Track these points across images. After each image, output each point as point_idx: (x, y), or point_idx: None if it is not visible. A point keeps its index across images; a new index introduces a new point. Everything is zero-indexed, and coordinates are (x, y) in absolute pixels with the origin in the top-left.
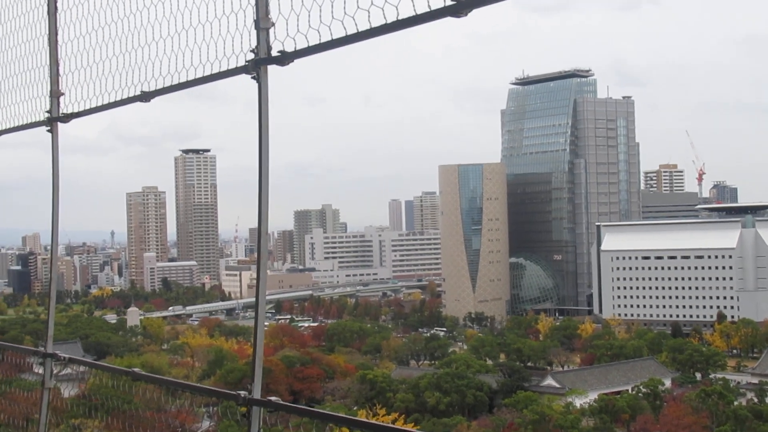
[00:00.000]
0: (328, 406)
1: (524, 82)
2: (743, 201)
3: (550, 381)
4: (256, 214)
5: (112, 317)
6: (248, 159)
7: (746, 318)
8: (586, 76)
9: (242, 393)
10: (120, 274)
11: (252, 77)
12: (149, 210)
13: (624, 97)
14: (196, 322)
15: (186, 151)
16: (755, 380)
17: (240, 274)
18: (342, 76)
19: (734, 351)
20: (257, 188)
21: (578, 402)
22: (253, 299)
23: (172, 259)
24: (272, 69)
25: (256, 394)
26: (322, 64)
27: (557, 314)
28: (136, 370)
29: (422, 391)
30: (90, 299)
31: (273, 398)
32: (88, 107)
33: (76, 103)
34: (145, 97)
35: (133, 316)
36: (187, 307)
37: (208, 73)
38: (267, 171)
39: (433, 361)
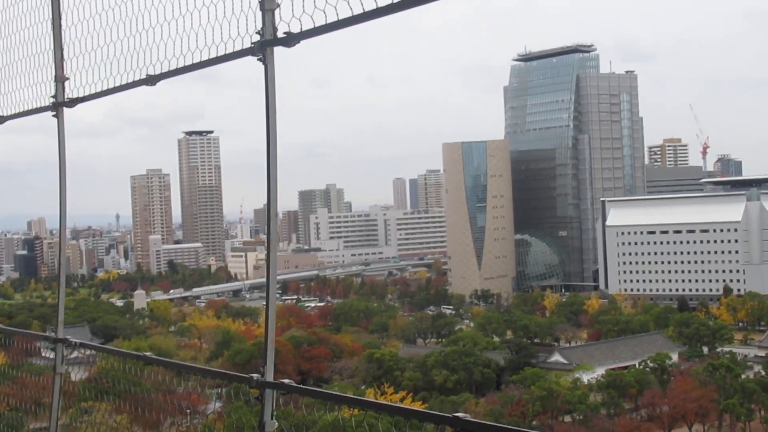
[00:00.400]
0: (336, 385)
1: (527, 58)
2: (748, 174)
3: (557, 357)
4: (265, 195)
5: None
6: (252, 140)
7: (752, 291)
8: (588, 52)
9: (255, 376)
10: (126, 257)
11: (258, 59)
12: (154, 192)
13: (627, 72)
14: (203, 304)
15: (189, 133)
16: (762, 353)
17: (246, 256)
18: (347, 57)
19: (741, 324)
20: (265, 169)
21: (586, 377)
22: (260, 280)
23: (177, 242)
24: (278, 50)
25: (269, 377)
26: (327, 45)
27: (563, 290)
28: (147, 354)
29: (430, 369)
30: (96, 283)
31: (286, 380)
32: (93, 92)
33: (81, 87)
34: (151, 80)
35: (140, 298)
36: (194, 289)
37: (213, 55)
38: (275, 152)
39: (440, 339)
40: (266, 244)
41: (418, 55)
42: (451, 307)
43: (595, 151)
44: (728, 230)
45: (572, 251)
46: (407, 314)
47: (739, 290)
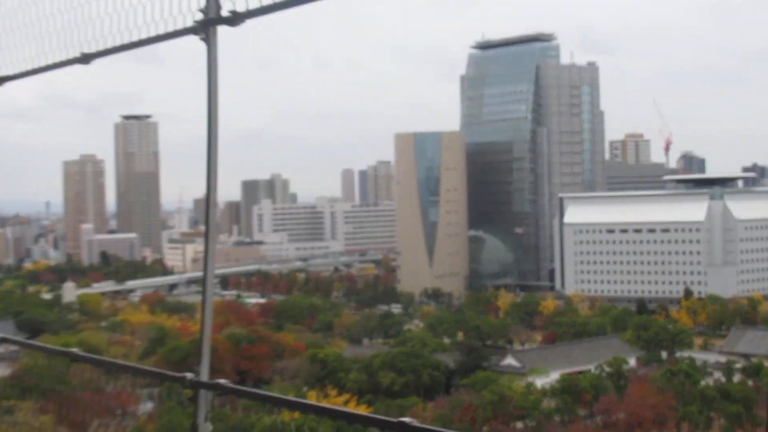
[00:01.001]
0: (277, 386)
1: (484, 46)
2: (712, 172)
3: (510, 360)
4: (205, 184)
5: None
6: (193, 126)
7: (714, 294)
8: (549, 41)
9: (189, 375)
10: (56, 247)
11: (201, 39)
12: (87, 179)
13: (588, 63)
14: (137, 298)
15: (127, 117)
16: (723, 359)
17: (184, 247)
18: (295, 39)
19: (701, 328)
20: (205, 157)
21: (539, 382)
22: (198, 274)
23: (111, 231)
24: (222, 30)
25: (204, 377)
26: (273, 25)
27: (518, 290)
28: (75, 350)
29: (376, 371)
30: (23, 274)
31: (222, 381)
32: (22, 70)
33: (10, 65)
34: (85, 59)
35: (70, 291)
36: (128, 282)
37: (153, 34)
38: (216, 139)
39: (387, 340)
40: (204, 236)
41: (370, 39)
42: (399, 305)
43: (554, 145)
44: (690, 230)
45: (528, 249)
46: (353, 312)
47: (700, 293)
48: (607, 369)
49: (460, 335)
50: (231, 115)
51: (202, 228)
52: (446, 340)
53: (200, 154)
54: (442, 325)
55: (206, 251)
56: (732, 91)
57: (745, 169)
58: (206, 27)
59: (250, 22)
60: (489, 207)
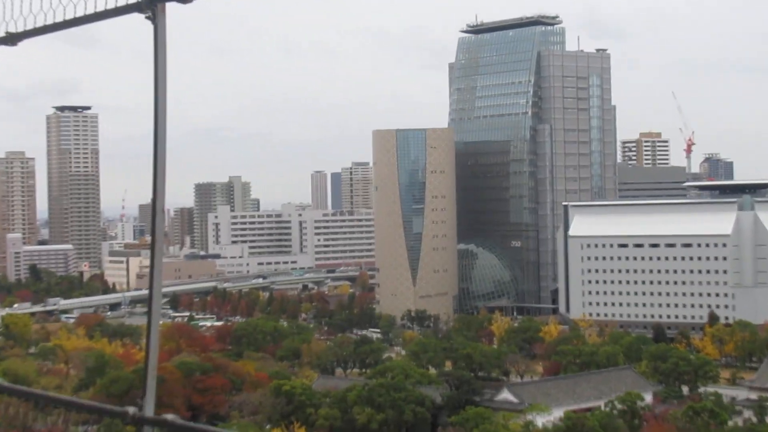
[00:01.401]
0: (235, 424)
1: (477, 29)
2: (740, 178)
3: (506, 395)
4: (150, 187)
5: None
6: (139, 119)
7: (743, 320)
8: (552, 24)
9: (131, 409)
10: None
11: (146, 17)
12: (14, 181)
13: (598, 50)
14: (72, 320)
15: (61, 109)
16: (753, 395)
17: (127, 261)
18: (258, 22)
19: (728, 359)
20: (152, 155)
21: (540, 420)
22: (143, 292)
23: (42, 242)
24: (171, 7)
25: (149, 411)
26: (234, 5)
27: (515, 313)
28: None
29: (350, 406)
30: None
31: (169, 416)
32: None
33: None
34: (11, 39)
35: None
36: (61, 301)
37: (90, 11)
38: (164, 134)
39: (363, 370)
40: (150, 247)
41: (344, 22)
42: (378, 330)
43: (558, 145)
44: (716, 245)
45: (527, 266)
46: (324, 338)
47: (727, 318)
48: (619, 406)
49: (448, 365)
50: (184, 107)
51: (148, 239)
52: (432, 371)
53: (147, 152)
54: (427, 353)
55: (152, 266)
56: (761, 84)
57: None
58: (153, 3)
59: (205, 0)
60: (482, 217)
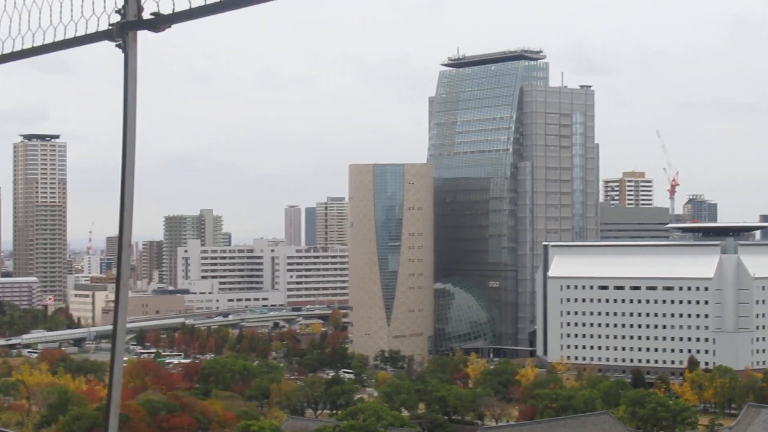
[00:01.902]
0: None
1: (459, 63)
2: (724, 221)
3: None
4: (117, 220)
5: None
6: (108, 149)
7: (723, 365)
8: (536, 59)
9: None
10: None
11: (117, 45)
12: None
13: (582, 87)
14: (35, 355)
15: (29, 137)
16: None
17: (93, 295)
18: (233, 49)
19: (708, 406)
20: (119, 186)
21: None
22: (108, 327)
23: (5, 274)
24: (143, 36)
25: None
26: (208, 32)
27: (492, 355)
28: None
29: None
30: None
31: None
32: None
33: None
34: None
35: None
36: (24, 336)
37: (61, 38)
38: (133, 164)
39: (334, 411)
40: (116, 281)
41: (321, 52)
42: (350, 370)
43: (539, 183)
44: (698, 288)
45: (505, 307)
46: (295, 378)
47: (707, 363)
48: None
49: (422, 407)
50: (155, 137)
51: (115, 273)
52: (405, 413)
53: (116, 183)
54: (400, 394)
55: (117, 300)
56: (749, 125)
57: (764, 218)
58: (124, 31)
59: (177, 28)
60: (460, 256)
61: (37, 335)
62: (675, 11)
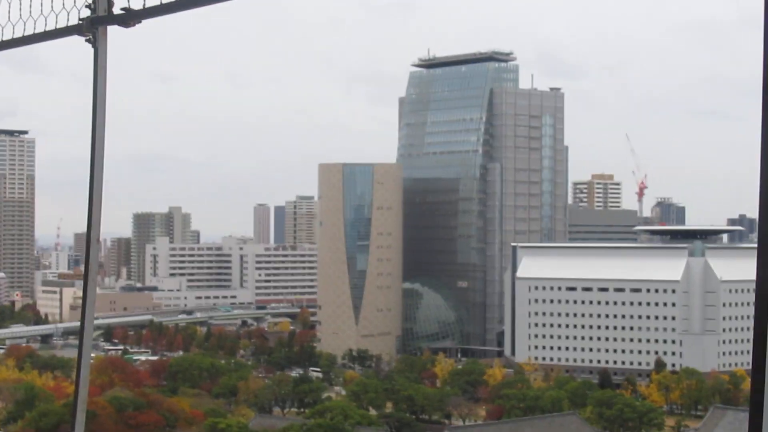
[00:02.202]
0: None
1: (429, 64)
2: (692, 224)
3: None
4: (86, 216)
5: None
6: (77, 145)
7: (690, 367)
8: (506, 61)
9: None
10: None
11: (86, 40)
12: None
13: (552, 89)
14: (2, 350)
15: None
16: None
17: (61, 291)
18: (201, 47)
19: (674, 407)
20: (88, 182)
21: None
22: (76, 323)
23: None
24: (113, 31)
25: None
26: (176, 29)
27: (459, 355)
28: None
29: None
30: None
31: None
32: None
33: None
34: None
35: None
36: None
37: (30, 32)
38: (102, 160)
39: (302, 409)
40: (83, 277)
41: (290, 51)
42: (318, 369)
43: (508, 185)
44: (665, 291)
45: (473, 307)
46: (262, 376)
47: (674, 365)
48: None
49: (389, 406)
50: (123, 134)
51: (83, 269)
52: (372, 412)
53: (84, 179)
54: (368, 393)
55: (85, 296)
56: (718, 129)
57: (732, 222)
58: (93, 26)
59: (147, 24)
60: (428, 256)
61: (3, 331)
62: (643, 16)
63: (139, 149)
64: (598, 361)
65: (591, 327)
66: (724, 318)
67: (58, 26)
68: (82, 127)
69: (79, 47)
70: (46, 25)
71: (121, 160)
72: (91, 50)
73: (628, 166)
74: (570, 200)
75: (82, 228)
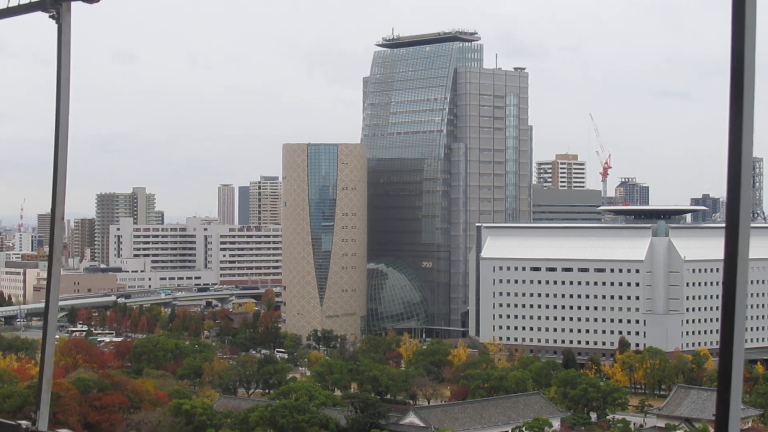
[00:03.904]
0: None
1: (393, 44)
2: (656, 204)
3: (412, 418)
4: (50, 197)
5: None
6: (39, 127)
7: (654, 347)
8: (470, 41)
9: (24, 423)
10: None
11: (50, 16)
12: None
13: (516, 69)
14: None
15: None
16: (661, 423)
17: (24, 273)
18: (162, 28)
19: (638, 387)
20: (52, 163)
21: None
22: (40, 305)
23: None
24: (77, 8)
25: (43, 426)
26: (138, 9)
27: (424, 335)
28: None
29: (252, 428)
30: None
31: (63, 431)
32: None
33: None
34: None
35: None
36: None
37: None
38: (66, 141)
39: (267, 390)
40: (48, 257)
41: (253, 32)
42: (283, 350)
43: (473, 165)
44: (629, 271)
45: (438, 287)
46: (227, 357)
47: (637, 345)
48: (527, 431)
49: (354, 387)
50: (86, 114)
51: (47, 249)
52: (337, 393)
53: (46, 160)
54: (332, 374)
55: (50, 276)
56: (681, 110)
57: (695, 201)
58: (57, 2)
59: (110, 3)
60: (393, 236)
61: None
62: None
63: (102, 130)
64: (563, 341)
65: (555, 307)
66: (687, 298)
67: (21, 2)
68: (44, 109)
69: (41, 28)
70: (8, 1)
71: (85, 141)
72: (55, 27)
73: (592, 146)
74: (534, 180)
75: (46, 209)
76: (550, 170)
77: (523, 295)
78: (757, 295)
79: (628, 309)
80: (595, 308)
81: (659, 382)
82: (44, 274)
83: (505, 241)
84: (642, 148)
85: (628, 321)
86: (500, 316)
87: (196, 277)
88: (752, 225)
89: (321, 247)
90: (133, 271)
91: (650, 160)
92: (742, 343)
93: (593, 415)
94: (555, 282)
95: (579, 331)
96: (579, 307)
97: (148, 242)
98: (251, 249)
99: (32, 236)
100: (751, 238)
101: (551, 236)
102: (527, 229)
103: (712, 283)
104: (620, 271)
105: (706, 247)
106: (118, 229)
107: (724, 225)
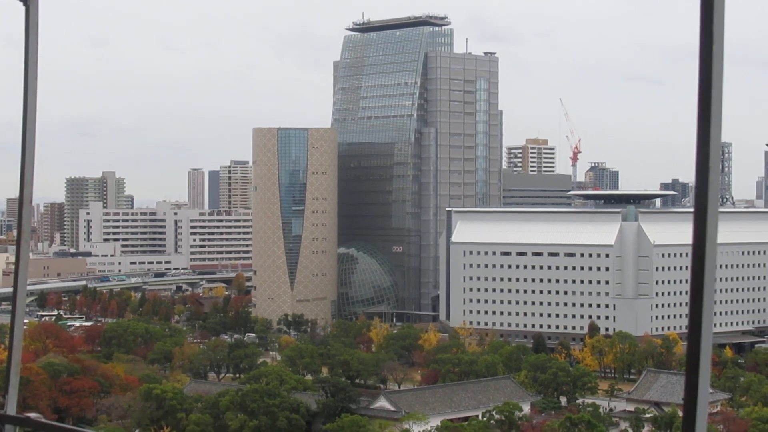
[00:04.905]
0: (103, 427)
1: (364, 28)
2: (625, 188)
3: (383, 402)
4: (18, 180)
5: None
6: (6, 110)
7: (623, 331)
8: (440, 25)
9: None
10: None
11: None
12: None
13: (486, 54)
14: None
15: None
16: (630, 407)
17: None
18: (133, 12)
19: (607, 371)
20: (20, 146)
21: (417, 429)
22: (8, 289)
23: None
24: None
25: (11, 410)
26: None
27: (395, 320)
28: None
29: (222, 412)
30: None
31: (32, 415)
32: None
33: None
34: None
35: None
36: None
37: None
38: (34, 124)
39: (237, 375)
40: (17, 241)
41: (223, 16)
42: (254, 334)
43: (443, 149)
44: (598, 255)
45: (408, 272)
46: (198, 341)
47: (607, 329)
48: (497, 416)
49: (325, 371)
50: (52, 98)
51: (15, 233)
52: (308, 377)
53: (13, 143)
54: (303, 358)
55: (18, 259)
56: (651, 95)
57: (664, 186)
58: None
59: None
60: (363, 221)
61: None
62: None
63: (73, 113)
64: (533, 326)
65: (525, 291)
66: (657, 282)
67: None
68: (14, 89)
69: (11, 10)
70: None
71: (54, 124)
72: (23, 10)
73: (562, 131)
74: (504, 165)
75: (14, 193)
76: (520, 155)
77: (494, 279)
78: (726, 279)
79: (598, 293)
80: (565, 293)
81: (629, 366)
82: (13, 258)
83: (476, 226)
84: (612, 132)
85: (598, 305)
86: (470, 301)
87: (167, 262)
88: (721, 210)
89: (291, 231)
90: (102, 256)
91: (620, 144)
92: (710, 327)
93: (563, 399)
94: (525, 266)
95: (549, 315)
96: (549, 292)
97: (117, 226)
98: (221, 233)
99: (1, 221)
100: (719, 223)
101: (521, 221)
102: (497, 214)
103: (681, 268)
104: (590, 255)
105: (676, 232)
106: (88, 213)
107: (693, 210)
